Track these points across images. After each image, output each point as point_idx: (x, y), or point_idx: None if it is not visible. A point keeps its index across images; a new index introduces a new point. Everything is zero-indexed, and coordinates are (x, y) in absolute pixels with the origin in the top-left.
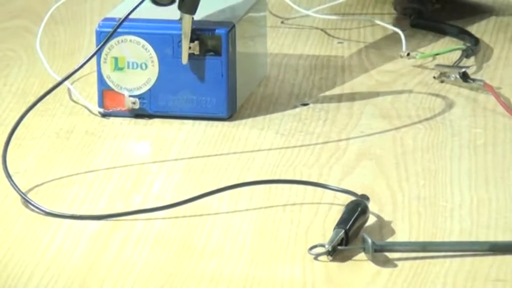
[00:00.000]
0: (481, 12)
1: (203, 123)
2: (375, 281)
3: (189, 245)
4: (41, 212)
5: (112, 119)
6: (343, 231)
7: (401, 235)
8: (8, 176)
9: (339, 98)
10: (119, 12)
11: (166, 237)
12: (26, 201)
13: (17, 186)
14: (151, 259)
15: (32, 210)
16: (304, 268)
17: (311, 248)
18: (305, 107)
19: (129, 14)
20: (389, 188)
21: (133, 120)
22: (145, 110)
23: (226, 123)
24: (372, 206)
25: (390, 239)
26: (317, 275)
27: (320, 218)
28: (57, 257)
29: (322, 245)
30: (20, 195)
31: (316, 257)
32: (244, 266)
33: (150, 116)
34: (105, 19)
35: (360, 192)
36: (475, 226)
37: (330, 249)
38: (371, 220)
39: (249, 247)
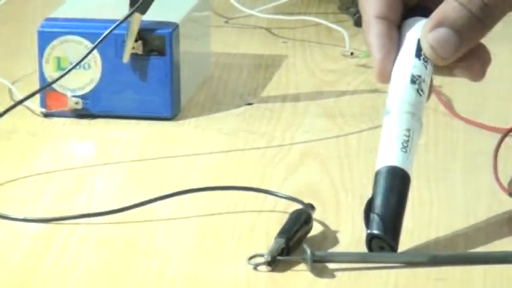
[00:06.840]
0: None
1: (147, 123)
2: None
3: (132, 245)
4: None
5: (55, 119)
6: (283, 240)
7: (344, 242)
8: None
9: (284, 97)
10: (62, 13)
11: (108, 238)
12: None
13: None
14: (94, 260)
15: None
16: (247, 275)
17: (250, 258)
18: (249, 107)
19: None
20: (333, 188)
21: (76, 120)
22: (88, 110)
23: (170, 123)
24: (315, 206)
25: (334, 249)
26: (258, 284)
27: (263, 223)
28: None
29: (261, 255)
30: None
31: (255, 267)
32: (187, 266)
33: (94, 117)
34: (48, 19)
35: (303, 192)
36: (417, 226)
37: (269, 260)
38: (315, 228)
39: (192, 249)
